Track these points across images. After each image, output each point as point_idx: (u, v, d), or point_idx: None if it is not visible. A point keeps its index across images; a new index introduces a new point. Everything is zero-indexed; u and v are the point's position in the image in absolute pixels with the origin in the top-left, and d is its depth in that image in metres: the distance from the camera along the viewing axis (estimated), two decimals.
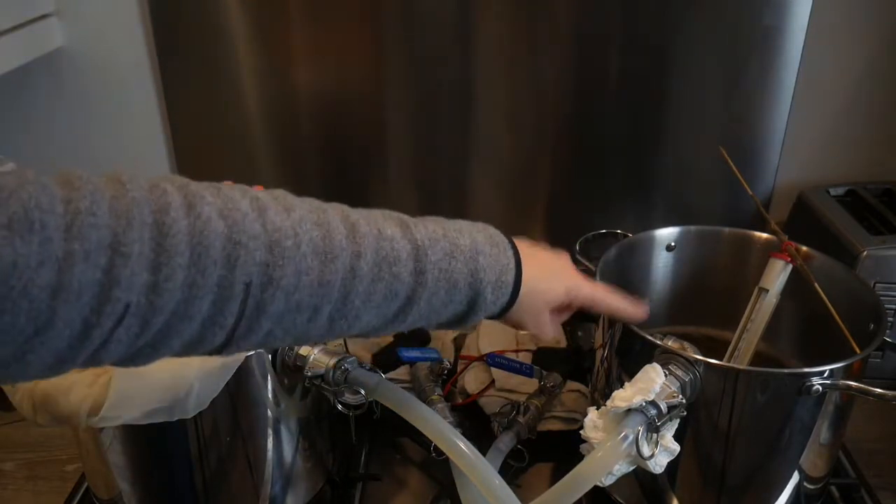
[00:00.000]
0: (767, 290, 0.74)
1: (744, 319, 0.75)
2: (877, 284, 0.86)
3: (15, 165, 0.97)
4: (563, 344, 0.96)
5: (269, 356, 0.65)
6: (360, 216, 0.49)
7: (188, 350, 0.43)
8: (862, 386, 0.62)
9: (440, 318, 0.53)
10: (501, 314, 0.56)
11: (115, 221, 0.37)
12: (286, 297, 0.44)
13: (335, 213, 0.48)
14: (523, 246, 0.57)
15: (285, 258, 0.43)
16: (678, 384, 0.61)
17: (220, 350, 0.45)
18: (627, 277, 0.82)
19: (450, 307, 0.52)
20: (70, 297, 0.36)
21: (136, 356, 0.41)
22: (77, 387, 0.58)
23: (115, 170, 0.40)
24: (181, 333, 0.41)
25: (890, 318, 0.75)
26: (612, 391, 0.60)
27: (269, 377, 0.66)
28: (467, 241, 0.53)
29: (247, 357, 0.62)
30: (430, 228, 0.52)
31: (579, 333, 0.99)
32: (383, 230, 0.49)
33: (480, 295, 0.53)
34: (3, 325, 0.34)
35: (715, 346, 0.78)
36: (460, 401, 0.86)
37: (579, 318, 1.01)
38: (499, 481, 0.59)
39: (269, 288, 0.43)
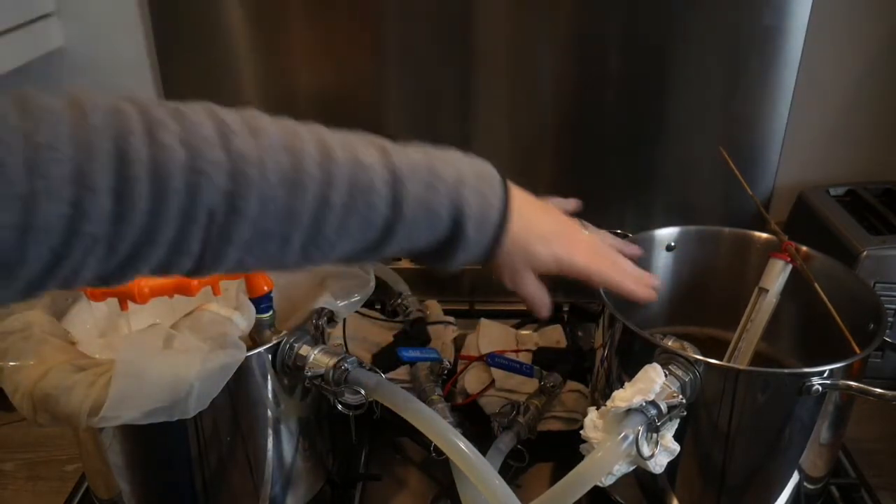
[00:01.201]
0: (767, 290, 0.74)
1: (744, 319, 0.75)
2: (877, 284, 0.86)
3: None
4: (564, 344, 0.96)
5: (270, 356, 0.65)
6: (338, 141, 0.47)
7: (158, 273, 0.43)
8: (862, 386, 0.62)
9: (421, 249, 0.51)
10: (486, 258, 0.53)
11: (77, 153, 0.36)
12: (251, 225, 0.43)
13: (310, 137, 0.46)
14: (522, 195, 0.54)
15: (249, 187, 0.42)
16: (678, 384, 0.61)
17: (191, 274, 0.44)
18: None
19: (431, 239, 0.50)
20: (38, 234, 0.36)
21: (107, 279, 0.41)
22: (77, 387, 0.58)
23: (75, 90, 0.39)
24: (147, 258, 0.41)
25: (890, 318, 0.75)
26: (612, 391, 0.60)
27: (269, 377, 0.66)
28: (451, 172, 0.50)
29: (247, 357, 0.62)
30: (413, 157, 0.49)
31: (579, 333, 0.99)
32: (360, 157, 0.47)
33: (462, 229, 0.50)
34: None
35: (715, 346, 0.78)
36: (460, 401, 0.86)
37: (579, 317, 1.02)
38: (499, 481, 0.59)
39: (233, 216, 0.42)
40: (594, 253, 0.59)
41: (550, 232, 0.56)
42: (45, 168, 0.35)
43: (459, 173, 0.51)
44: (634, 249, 0.67)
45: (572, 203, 0.67)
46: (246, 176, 0.42)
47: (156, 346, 0.59)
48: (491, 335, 0.96)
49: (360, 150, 0.47)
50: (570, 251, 0.57)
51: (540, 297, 0.59)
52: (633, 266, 0.63)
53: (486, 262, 0.54)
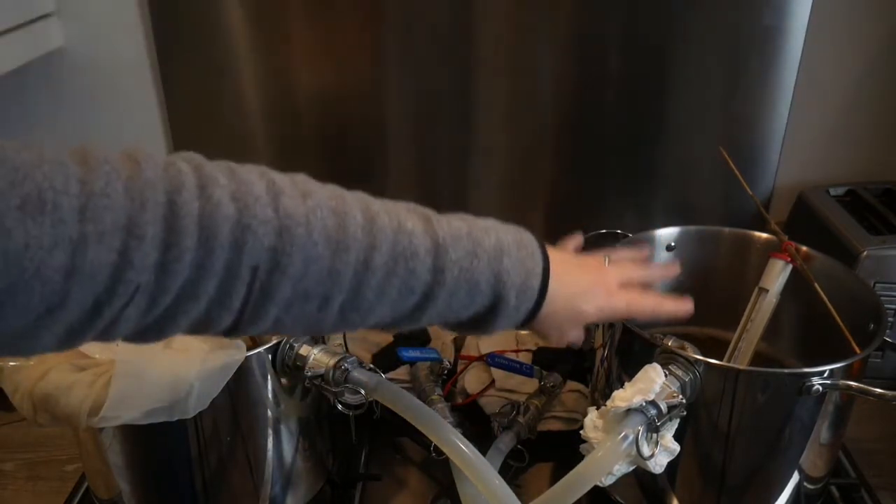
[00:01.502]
0: (767, 290, 0.74)
1: (744, 319, 0.75)
2: (877, 284, 0.86)
3: None
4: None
5: (270, 356, 0.65)
6: (382, 207, 0.48)
7: (196, 330, 0.43)
8: (862, 386, 0.62)
9: (460, 318, 0.52)
10: (525, 323, 0.54)
11: (129, 203, 0.37)
12: (293, 284, 0.43)
13: (355, 202, 0.46)
14: (556, 255, 0.55)
15: (294, 245, 0.42)
16: (678, 384, 0.61)
17: (228, 332, 0.44)
18: None
19: (470, 308, 0.51)
20: (83, 279, 0.36)
21: (145, 332, 0.41)
22: (77, 387, 0.58)
23: (132, 147, 0.40)
24: (188, 313, 0.41)
25: (890, 318, 0.75)
26: (612, 391, 0.60)
27: (269, 377, 0.66)
28: (492, 241, 0.51)
29: (247, 357, 0.62)
30: (455, 225, 0.50)
31: None
32: (403, 223, 0.47)
33: (503, 299, 0.51)
34: (17, 304, 0.35)
35: (715, 346, 0.78)
36: (460, 401, 0.86)
37: None
38: (499, 481, 0.59)
39: (276, 274, 0.42)
40: (628, 289, 0.61)
41: (589, 286, 0.58)
42: (97, 214, 0.36)
43: (500, 242, 0.51)
44: (641, 253, 0.68)
45: (577, 239, 0.69)
46: (292, 235, 0.42)
47: (156, 346, 0.59)
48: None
49: (403, 216, 0.48)
50: (609, 299, 0.58)
51: (579, 338, 0.60)
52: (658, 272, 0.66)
53: (525, 327, 0.55)
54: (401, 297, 0.47)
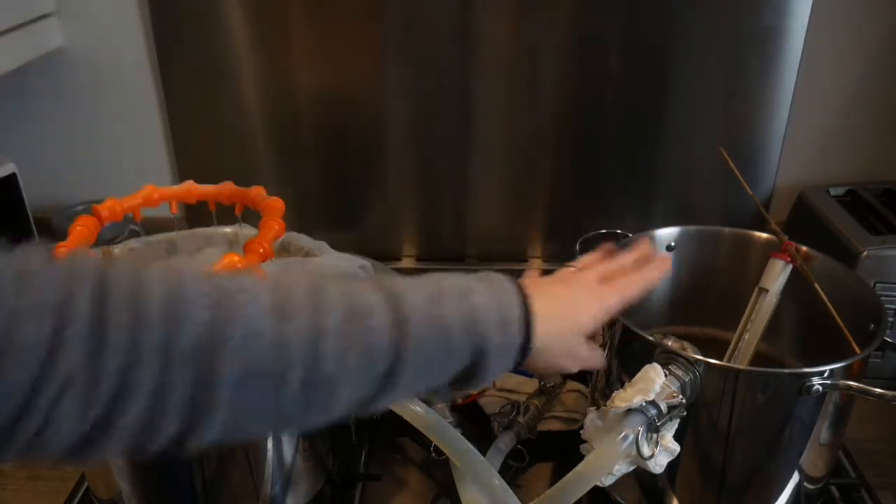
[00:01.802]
0: (767, 290, 0.74)
1: (744, 319, 0.75)
2: (877, 284, 0.86)
3: (15, 165, 0.97)
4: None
5: None
6: (326, 281, 0.45)
7: (140, 440, 0.39)
8: (862, 386, 0.62)
9: (445, 377, 0.47)
10: (524, 357, 0.49)
11: (62, 281, 0.37)
12: (239, 361, 0.39)
13: (298, 277, 0.45)
14: (527, 280, 0.51)
15: (233, 318, 0.39)
16: (678, 384, 0.61)
17: (178, 440, 0.39)
18: None
19: (450, 361, 0.46)
20: (10, 361, 0.34)
21: (86, 443, 0.37)
22: None
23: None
24: (126, 411, 0.37)
25: (890, 318, 0.75)
26: (612, 391, 0.60)
27: None
28: (453, 282, 0.47)
29: None
30: (406, 280, 0.47)
31: None
32: (352, 286, 0.44)
33: (485, 339, 0.46)
34: None
35: (715, 346, 0.78)
36: (460, 401, 0.86)
37: None
38: (499, 481, 0.59)
39: (218, 352, 0.39)
40: (611, 283, 0.57)
41: (575, 297, 0.54)
42: (30, 290, 0.36)
43: (463, 283, 0.48)
44: (604, 250, 0.64)
45: (535, 270, 0.65)
46: (231, 304, 0.39)
47: None
48: None
49: (349, 283, 0.45)
50: (600, 302, 0.55)
51: (595, 360, 0.57)
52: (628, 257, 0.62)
53: (526, 363, 0.50)
54: (365, 360, 0.42)
